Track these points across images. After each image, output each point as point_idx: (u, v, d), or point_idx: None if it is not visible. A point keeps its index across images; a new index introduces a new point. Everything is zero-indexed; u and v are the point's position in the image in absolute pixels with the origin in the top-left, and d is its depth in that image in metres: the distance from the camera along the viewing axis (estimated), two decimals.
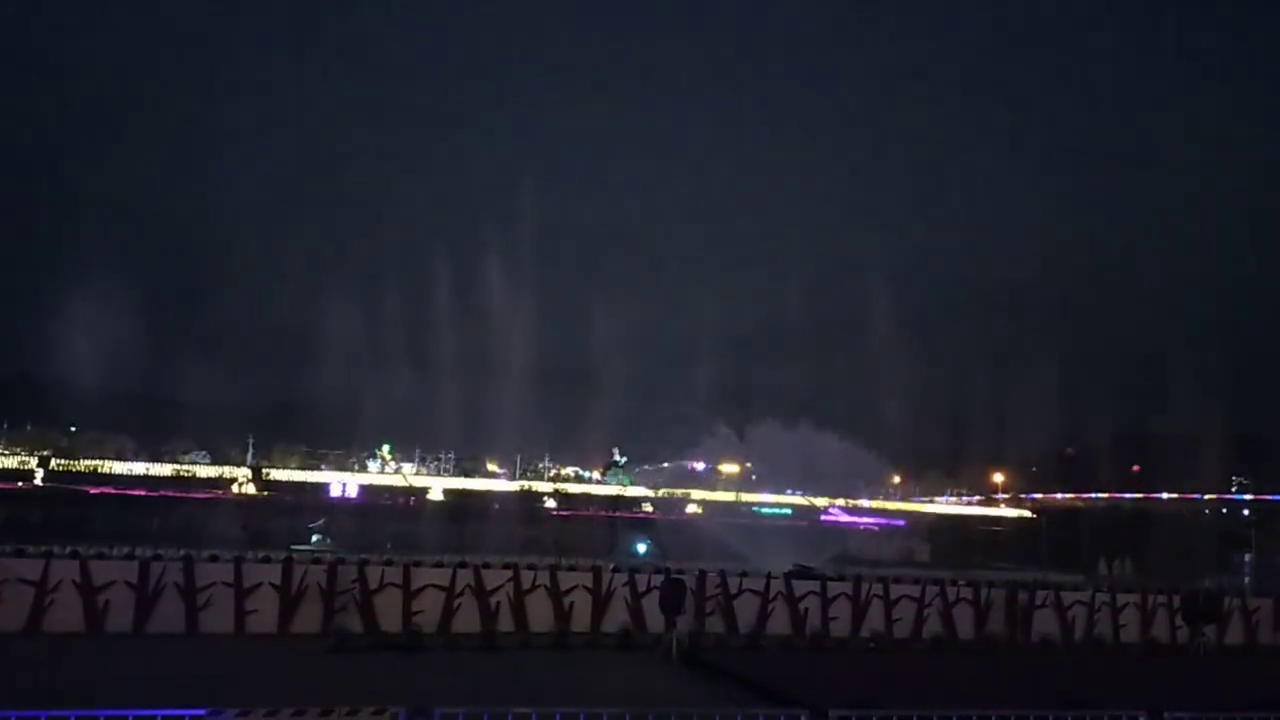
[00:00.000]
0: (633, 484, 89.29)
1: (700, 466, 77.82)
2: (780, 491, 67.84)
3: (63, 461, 71.31)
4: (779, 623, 28.91)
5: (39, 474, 66.72)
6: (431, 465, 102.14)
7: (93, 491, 61.01)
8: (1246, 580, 49.84)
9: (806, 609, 29.35)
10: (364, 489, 76.09)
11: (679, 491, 69.90)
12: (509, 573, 27.42)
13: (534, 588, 27.42)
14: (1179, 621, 31.23)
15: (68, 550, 25.73)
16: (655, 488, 75.89)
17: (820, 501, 64.36)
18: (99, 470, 69.65)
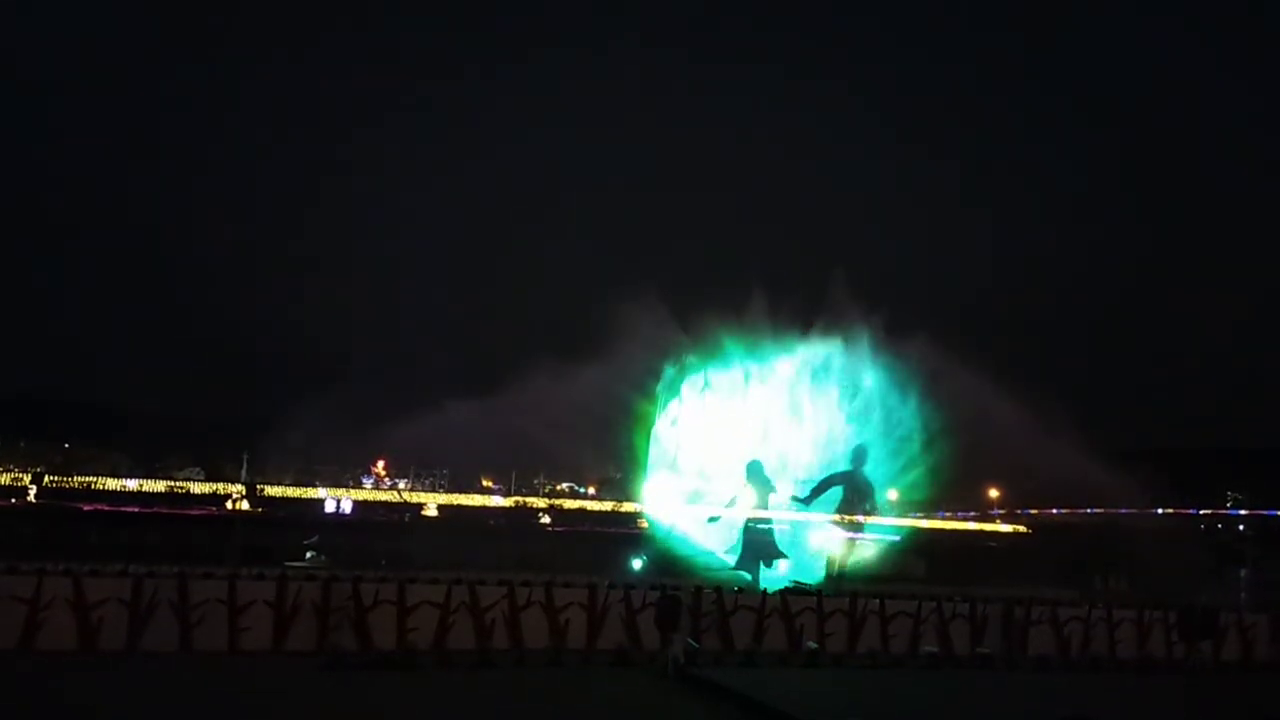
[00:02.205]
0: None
1: None
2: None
3: (56, 478, 70.97)
4: (775, 639, 28.86)
5: (32, 491, 66.40)
6: (426, 481, 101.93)
7: (86, 508, 60.64)
8: (1242, 596, 49.77)
9: (802, 625, 29.31)
10: (359, 505, 75.72)
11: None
12: (504, 589, 27.35)
13: (529, 604, 27.36)
14: (1175, 637, 31.21)
15: (61, 568, 25.60)
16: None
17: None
18: (92, 486, 69.28)
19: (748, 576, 41.86)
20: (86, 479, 72.23)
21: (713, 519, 45.02)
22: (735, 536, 45.09)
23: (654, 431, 47.00)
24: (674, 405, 47.27)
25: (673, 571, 39.63)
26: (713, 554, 44.60)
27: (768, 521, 44.85)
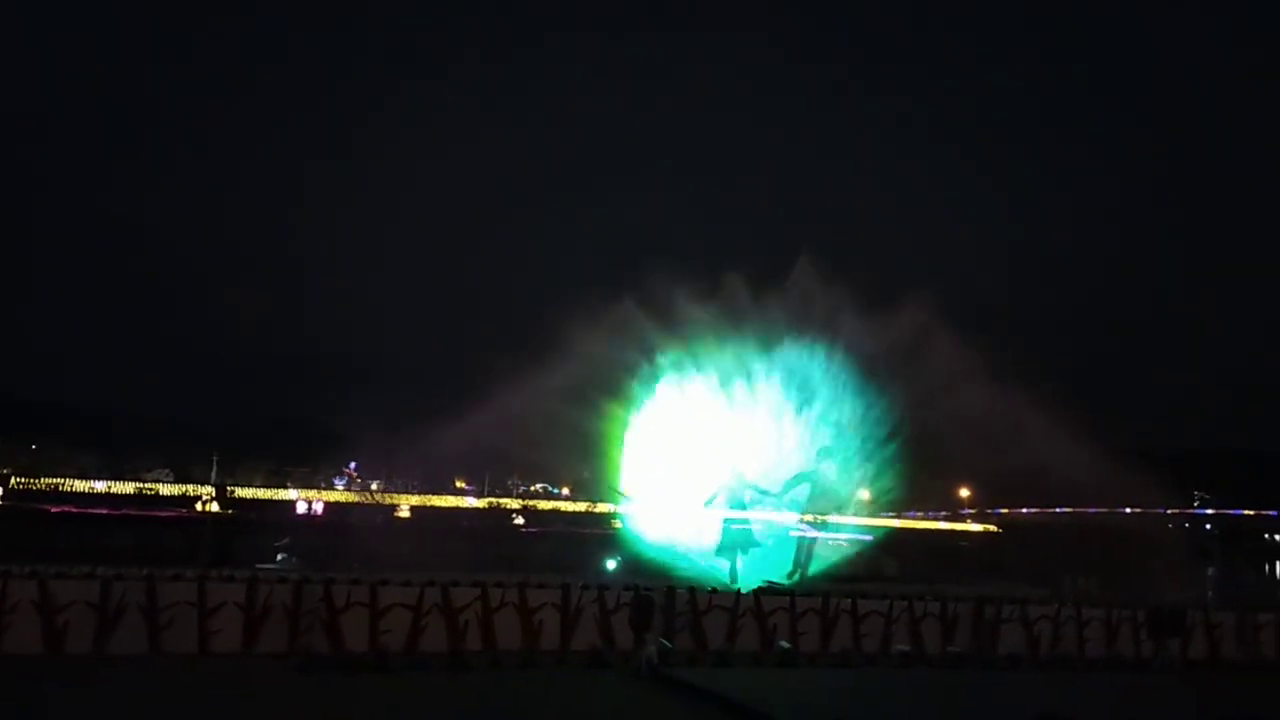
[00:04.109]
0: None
1: None
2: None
3: (23, 479, 70.34)
4: (749, 639, 28.92)
5: None
6: (398, 482, 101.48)
7: (53, 510, 60.08)
8: (1210, 594, 50.37)
9: (775, 625, 29.39)
10: (330, 506, 75.42)
11: None
12: (477, 591, 27.25)
13: (502, 605, 27.27)
14: (1143, 636, 31.51)
15: (27, 570, 25.30)
16: None
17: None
18: (60, 488, 68.71)
19: (725, 577, 41.97)
20: (54, 480, 71.61)
21: (708, 502, 45.14)
22: (715, 534, 45.27)
23: (628, 431, 47.01)
24: (648, 404, 47.31)
25: (646, 571, 39.67)
26: (686, 556, 44.70)
27: (745, 521, 45.06)
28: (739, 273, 50.49)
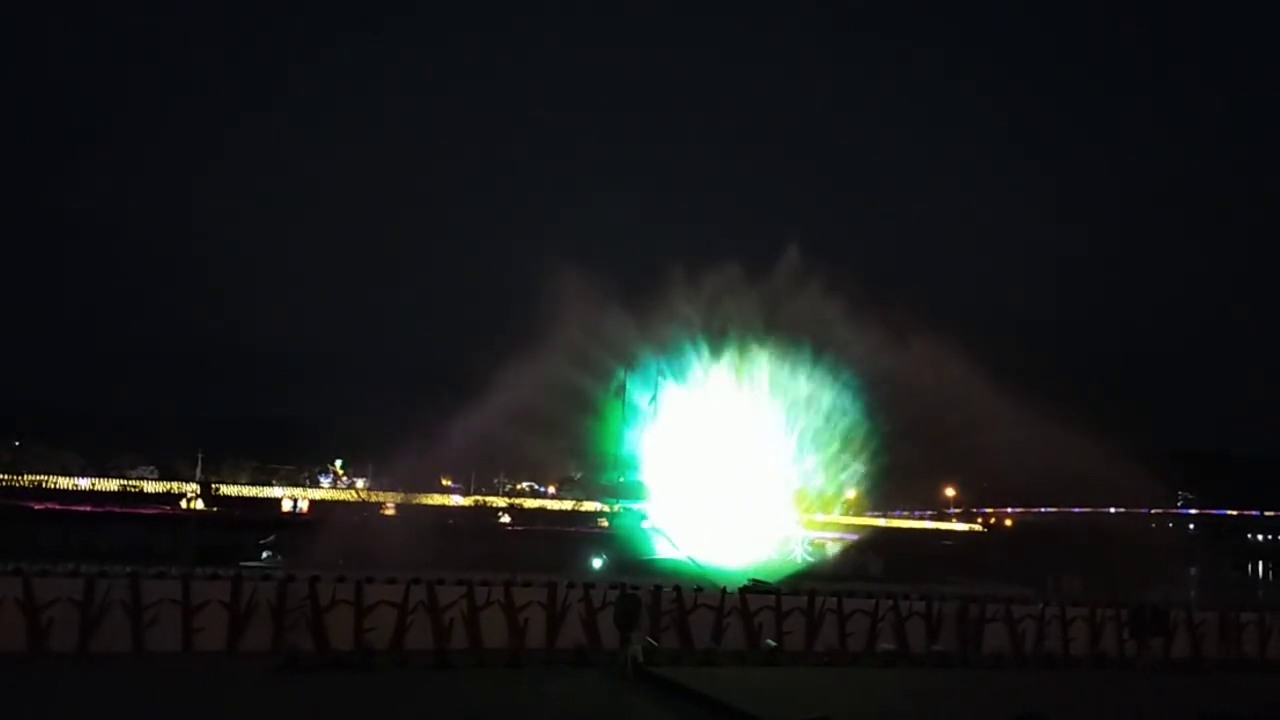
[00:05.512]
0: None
1: None
2: None
3: (6, 476, 69.91)
4: (734, 638, 28.95)
5: None
6: (384, 480, 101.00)
7: (37, 507, 59.75)
8: (1192, 594, 50.63)
9: (761, 624, 29.43)
10: (316, 504, 75.10)
11: None
12: (463, 589, 27.21)
13: (488, 604, 27.23)
14: (1127, 635, 31.67)
15: (10, 568, 25.17)
16: None
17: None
18: (43, 485, 68.28)
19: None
20: (37, 477, 71.15)
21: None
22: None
23: (619, 430, 47.08)
24: (641, 404, 47.40)
25: (633, 570, 39.71)
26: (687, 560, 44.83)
27: None
28: (727, 271, 50.63)
